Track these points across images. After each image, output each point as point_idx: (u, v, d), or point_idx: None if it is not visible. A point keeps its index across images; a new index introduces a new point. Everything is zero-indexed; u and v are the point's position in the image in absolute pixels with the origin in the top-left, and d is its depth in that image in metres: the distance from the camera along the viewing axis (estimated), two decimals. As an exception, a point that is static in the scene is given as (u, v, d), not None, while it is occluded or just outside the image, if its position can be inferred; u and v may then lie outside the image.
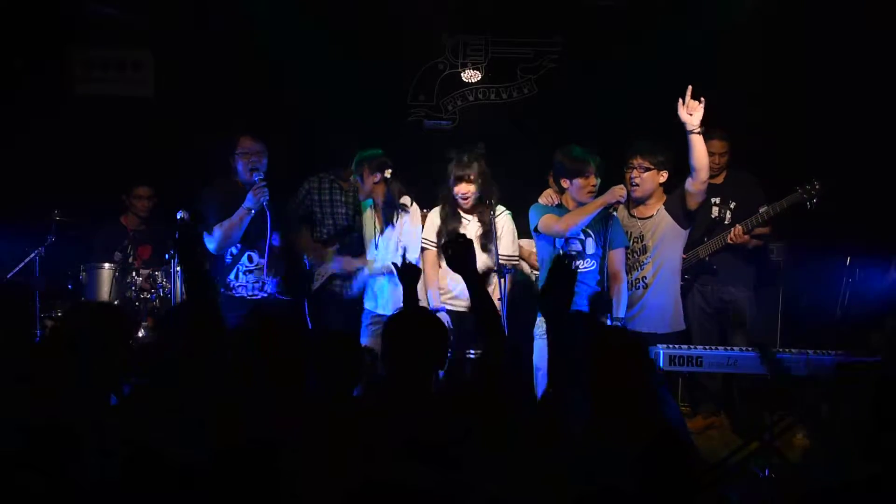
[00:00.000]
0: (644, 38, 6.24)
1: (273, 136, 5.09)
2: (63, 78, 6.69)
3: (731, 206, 5.40)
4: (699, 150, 4.50)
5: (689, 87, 4.42)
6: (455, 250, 3.19)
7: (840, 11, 5.68)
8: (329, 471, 2.49)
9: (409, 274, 3.69)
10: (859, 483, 2.33)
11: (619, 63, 6.31)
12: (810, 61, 5.91)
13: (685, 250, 5.26)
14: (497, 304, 4.68)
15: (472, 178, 4.82)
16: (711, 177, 5.39)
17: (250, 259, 4.87)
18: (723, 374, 5.07)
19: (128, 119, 6.50)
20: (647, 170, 4.71)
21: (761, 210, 5.17)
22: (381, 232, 5.09)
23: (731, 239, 5.17)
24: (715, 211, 5.41)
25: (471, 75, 6.78)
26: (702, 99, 4.43)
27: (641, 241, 4.77)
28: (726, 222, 5.35)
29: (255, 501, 2.21)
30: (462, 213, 4.94)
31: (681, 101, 4.43)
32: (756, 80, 6.12)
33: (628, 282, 4.72)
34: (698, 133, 4.47)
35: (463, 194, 4.87)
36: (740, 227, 5.16)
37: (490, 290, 4.67)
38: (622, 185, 4.58)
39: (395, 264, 3.82)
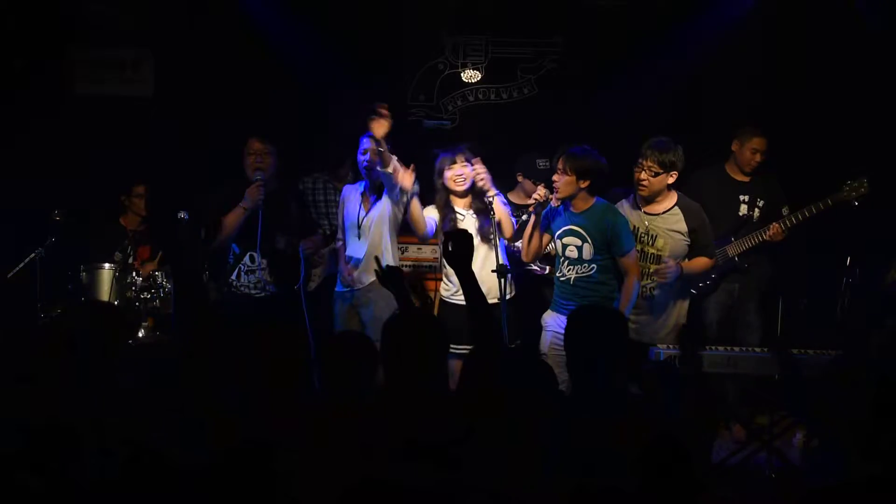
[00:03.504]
0: (644, 38, 6.25)
1: (272, 136, 5.11)
2: (63, 78, 6.69)
3: (760, 204, 5.35)
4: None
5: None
6: (454, 245, 3.19)
7: (841, 10, 5.69)
8: (328, 471, 2.49)
9: (392, 277, 3.68)
10: (859, 483, 2.33)
11: (619, 63, 6.31)
12: (812, 61, 5.91)
13: None
14: (496, 303, 4.70)
15: (461, 160, 4.89)
16: (745, 175, 5.42)
17: (252, 259, 4.93)
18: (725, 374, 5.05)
19: (128, 119, 6.50)
20: (657, 174, 4.63)
21: (792, 210, 5.17)
22: (367, 212, 5.12)
23: (769, 237, 5.14)
24: (743, 209, 5.36)
25: (471, 75, 6.77)
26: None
27: (649, 240, 4.73)
28: (754, 221, 5.32)
29: (253, 502, 2.22)
30: (457, 210, 4.95)
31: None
32: (756, 80, 6.12)
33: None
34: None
35: (456, 174, 4.88)
36: (778, 226, 5.12)
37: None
38: (541, 185, 4.63)
39: (376, 271, 3.80)
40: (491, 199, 4.82)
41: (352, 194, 5.25)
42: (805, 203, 5.19)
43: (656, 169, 4.62)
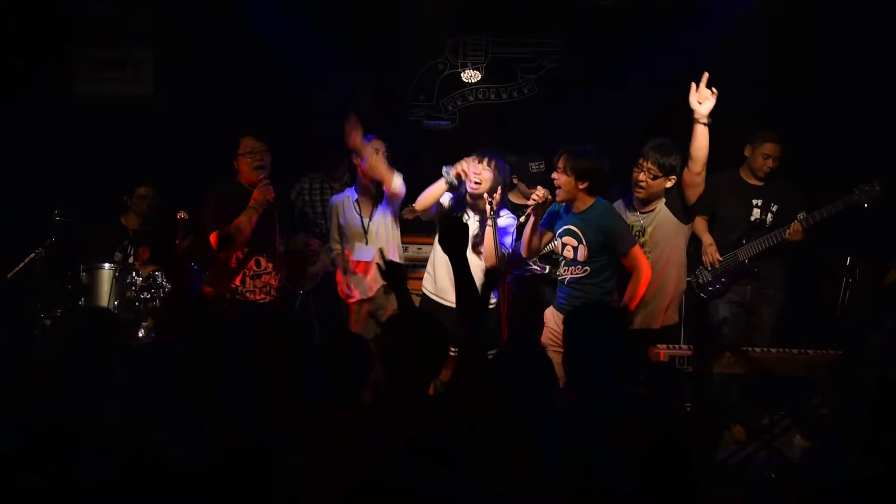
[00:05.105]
0: (644, 38, 6.25)
1: (272, 136, 5.10)
2: (63, 78, 6.69)
3: (773, 209, 5.33)
4: (701, 141, 4.38)
5: (705, 74, 4.28)
6: (449, 229, 3.16)
7: (842, 9, 5.69)
8: (327, 471, 2.49)
9: (394, 274, 3.62)
10: (859, 483, 2.33)
11: (619, 63, 6.31)
12: (813, 60, 5.91)
13: (721, 253, 5.25)
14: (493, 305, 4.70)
15: (488, 164, 4.78)
16: (758, 179, 5.40)
17: (258, 263, 4.84)
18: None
19: (128, 119, 6.50)
20: (656, 177, 4.59)
21: (804, 212, 5.13)
22: (370, 217, 5.14)
23: (788, 235, 5.13)
24: (756, 213, 5.34)
25: (471, 75, 6.78)
26: (714, 90, 4.31)
27: (641, 235, 4.72)
28: (767, 225, 5.31)
29: (252, 502, 2.22)
30: (466, 209, 4.93)
31: (693, 85, 4.32)
32: (756, 80, 6.12)
33: None
34: (704, 124, 4.37)
35: (476, 171, 4.77)
36: (799, 224, 5.08)
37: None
38: (540, 186, 4.57)
39: (378, 265, 3.78)
40: (488, 223, 4.76)
41: (343, 202, 5.23)
42: (811, 204, 5.20)
43: (655, 172, 4.58)
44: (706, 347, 4.46)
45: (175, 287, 4.45)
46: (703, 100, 4.32)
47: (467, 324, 3.03)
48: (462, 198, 4.91)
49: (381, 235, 5.13)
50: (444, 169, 4.80)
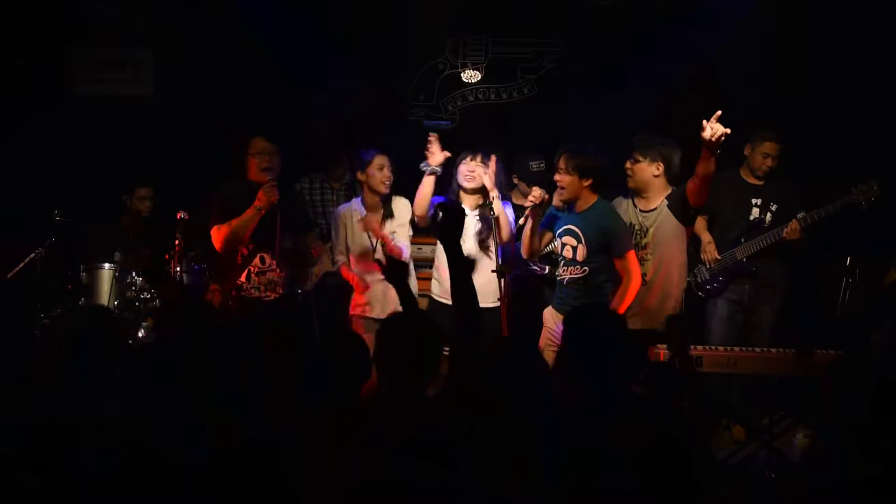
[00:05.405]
0: (644, 38, 6.25)
1: (272, 136, 5.10)
2: (63, 78, 6.69)
3: (773, 208, 5.34)
4: (709, 167, 4.35)
5: (718, 112, 4.21)
6: (444, 214, 3.17)
7: (842, 10, 5.69)
8: (328, 471, 2.49)
9: (395, 270, 3.62)
10: (859, 483, 2.33)
11: (619, 63, 6.31)
12: (813, 60, 5.91)
13: (720, 251, 5.24)
14: (497, 304, 4.70)
15: (478, 158, 4.82)
16: (758, 178, 5.40)
17: (262, 260, 4.83)
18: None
19: (128, 119, 6.50)
20: (637, 162, 4.64)
21: (804, 211, 5.14)
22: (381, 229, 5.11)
23: (786, 234, 5.13)
24: (755, 212, 5.36)
25: (471, 75, 6.78)
26: (728, 130, 4.22)
27: (643, 235, 4.72)
28: (766, 224, 5.31)
29: (252, 502, 2.22)
30: (463, 207, 4.92)
31: (705, 122, 4.28)
32: (757, 80, 6.12)
33: None
34: (714, 156, 4.33)
35: (469, 169, 4.81)
36: (796, 223, 5.10)
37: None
38: (536, 187, 4.56)
39: (378, 261, 3.78)
40: (492, 198, 4.78)
41: (351, 217, 5.12)
42: (811, 203, 5.19)
43: (637, 157, 4.64)
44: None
45: (165, 293, 4.44)
46: (715, 137, 4.26)
47: (461, 311, 3.04)
48: (457, 198, 4.91)
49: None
50: (422, 165, 4.85)
